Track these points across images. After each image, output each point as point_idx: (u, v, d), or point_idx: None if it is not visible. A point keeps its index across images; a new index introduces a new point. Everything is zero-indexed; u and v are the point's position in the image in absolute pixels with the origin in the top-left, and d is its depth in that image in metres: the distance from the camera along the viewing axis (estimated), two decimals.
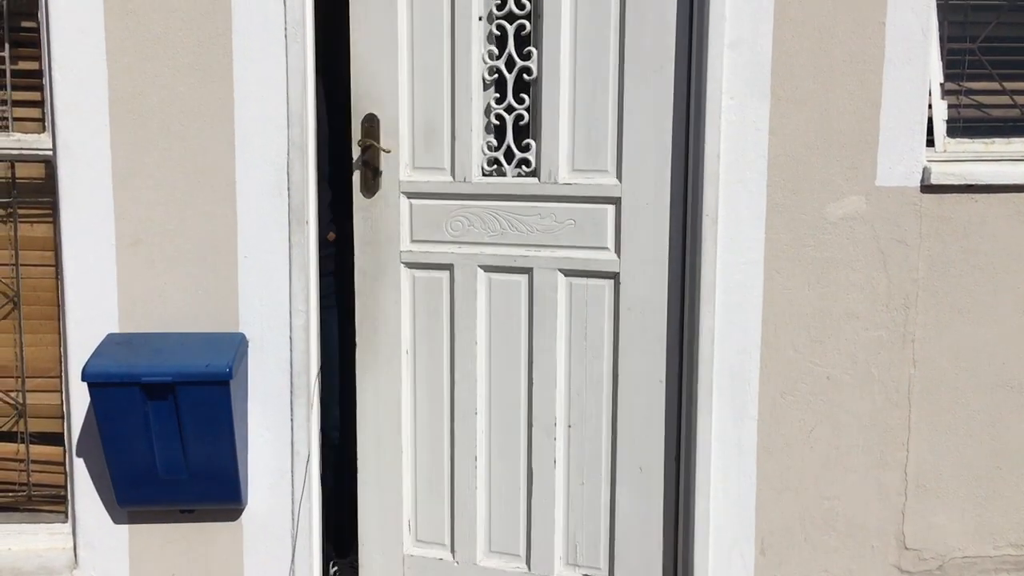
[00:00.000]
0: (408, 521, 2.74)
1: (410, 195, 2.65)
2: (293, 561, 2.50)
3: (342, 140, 2.66)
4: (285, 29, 2.36)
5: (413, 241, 2.67)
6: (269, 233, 2.41)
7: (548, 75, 2.56)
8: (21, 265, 2.58)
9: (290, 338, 2.44)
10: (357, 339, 2.68)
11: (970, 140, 2.65)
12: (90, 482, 2.46)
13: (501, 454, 2.71)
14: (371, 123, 2.61)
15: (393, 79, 2.58)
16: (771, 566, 2.62)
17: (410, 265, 2.67)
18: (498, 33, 2.57)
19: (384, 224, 2.65)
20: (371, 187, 2.63)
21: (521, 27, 2.56)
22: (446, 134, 2.62)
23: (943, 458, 2.64)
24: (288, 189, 2.40)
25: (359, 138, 2.59)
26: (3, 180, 2.55)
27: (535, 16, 2.56)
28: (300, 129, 2.40)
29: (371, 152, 2.59)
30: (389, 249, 2.67)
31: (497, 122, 2.61)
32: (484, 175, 2.62)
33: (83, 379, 2.20)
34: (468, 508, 2.72)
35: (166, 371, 2.19)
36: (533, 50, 2.57)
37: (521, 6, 2.54)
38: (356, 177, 2.62)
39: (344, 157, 2.64)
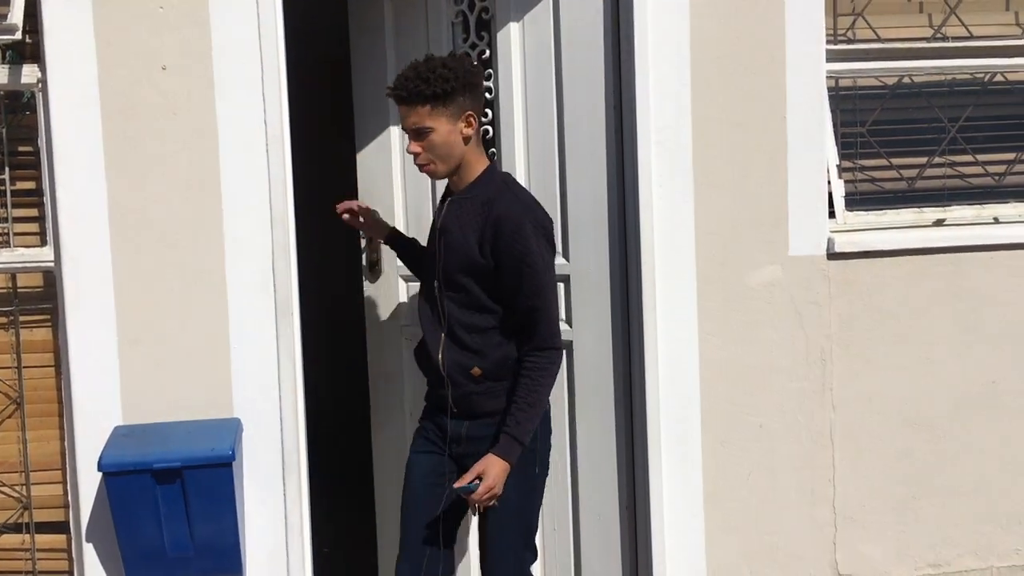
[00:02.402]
0: None
1: (407, 279, 3.05)
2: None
3: None
4: (266, 146, 2.65)
5: (409, 319, 3.05)
6: (258, 325, 2.67)
7: (507, 169, 2.90)
8: (23, 367, 2.79)
9: (280, 419, 2.69)
10: (371, 401, 3.17)
11: (865, 212, 3.06)
12: (99, 565, 2.64)
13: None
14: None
15: (388, 180, 3.06)
16: None
17: (410, 340, 3.00)
18: None
19: (386, 304, 3.12)
20: (375, 273, 3.14)
21: (486, 131, 2.89)
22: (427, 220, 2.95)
23: (865, 491, 2.99)
24: (274, 285, 2.67)
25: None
26: (5, 290, 2.77)
27: (495, 123, 2.92)
28: (283, 231, 2.69)
29: (373, 244, 3.09)
30: (392, 325, 3.12)
31: None
32: None
33: (99, 469, 2.42)
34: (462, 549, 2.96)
35: (174, 458, 2.42)
36: (495, 150, 2.92)
37: (485, 115, 2.87)
38: (364, 263, 3.15)
39: None
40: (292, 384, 2.71)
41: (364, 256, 3.16)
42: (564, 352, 2.78)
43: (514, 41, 2.88)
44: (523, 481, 2.46)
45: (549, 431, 2.57)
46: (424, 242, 2.71)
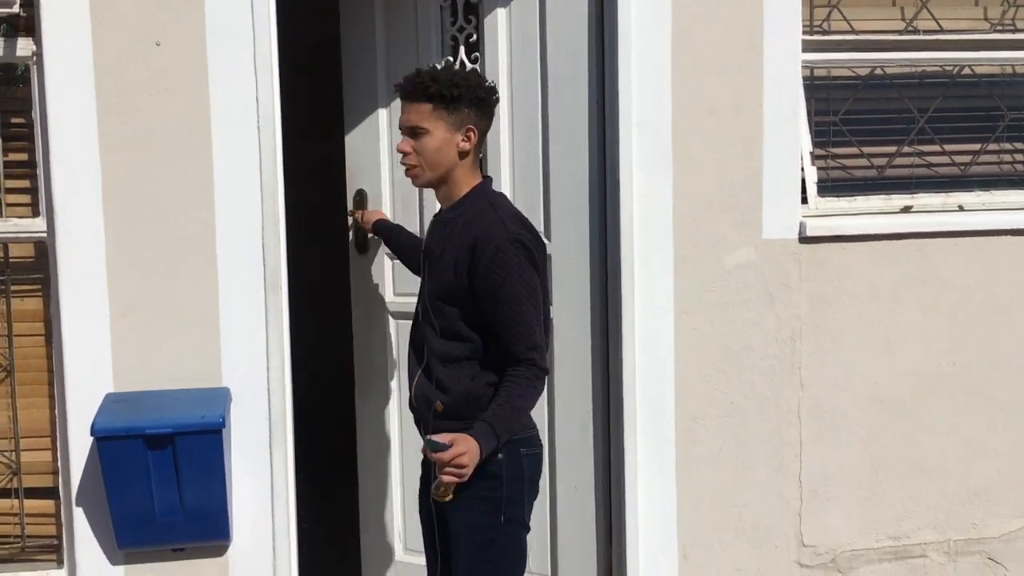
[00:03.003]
0: (398, 532, 3.08)
1: (392, 256, 3.12)
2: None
3: None
4: (258, 122, 2.72)
5: (396, 294, 3.15)
6: (247, 298, 2.74)
7: (491, 154, 2.99)
8: (14, 336, 2.84)
9: (268, 391, 2.76)
10: (356, 376, 3.21)
11: (836, 198, 3.17)
12: (89, 529, 2.71)
13: None
14: (360, 196, 3.16)
15: (376, 161, 3.12)
16: (692, 568, 3.04)
17: (395, 315, 3.17)
18: None
19: (373, 278, 3.20)
20: (362, 247, 3.19)
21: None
22: (416, 205, 3.09)
23: (830, 467, 3.11)
24: (263, 259, 2.74)
25: (351, 208, 3.16)
26: None
27: None
28: (272, 204, 2.75)
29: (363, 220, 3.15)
30: (377, 301, 3.20)
31: None
32: None
33: (92, 434, 2.49)
34: (417, 535, 3.02)
35: (166, 423, 2.49)
36: None
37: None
38: (351, 239, 3.20)
39: None
40: (280, 356, 2.78)
41: (352, 233, 3.23)
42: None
43: (501, 26, 2.96)
44: (482, 525, 2.30)
45: (520, 477, 2.34)
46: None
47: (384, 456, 3.21)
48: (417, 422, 2.46)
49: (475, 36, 3.01)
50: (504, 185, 2.98)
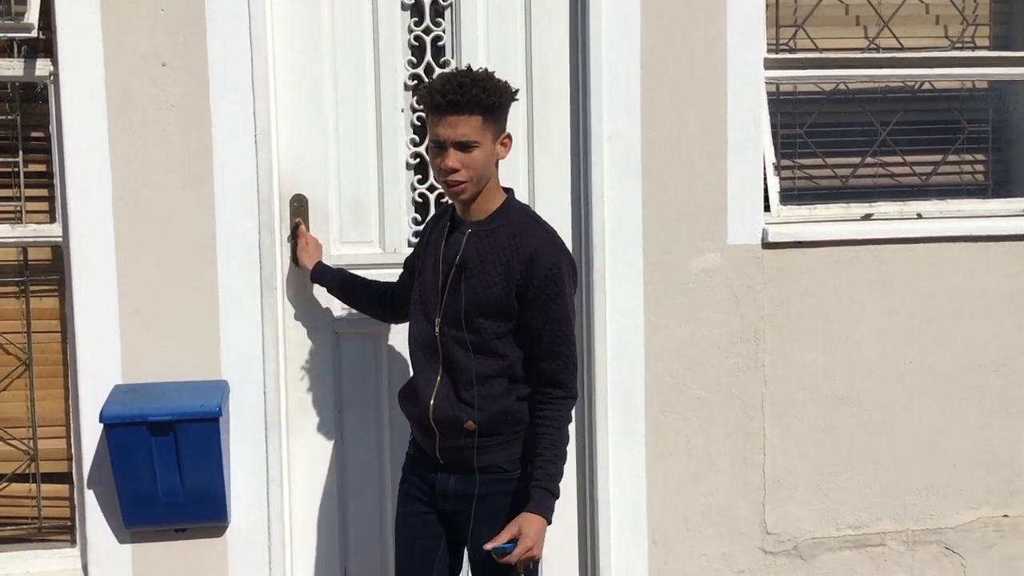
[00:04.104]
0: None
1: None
2: (270, 570, 3.02)
3: None
4: (255, 135, 2.95)
5: (343, 309, 3.02)
6: (245, 298, 2.97)
7: None
8: (32, 332, 3.08)
9: (264, 384, 2.99)
10: (285, 405, 3.03)
11: (798, 206, 3.37)
12: (99, 510, 2.94)
13: None
14: (300, 202, 3.03)
15: (321, 164, 3.05)
16: (661, 553, 3.23)
17: (340, 333, 3.09)
18: (418, 123, 3.15)
19: (316, 295, 3.02)
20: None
21: None
22: (374, 212, 3.13)
23: (793, 459, 3.30)
24: (260, 262, 2.97)
25: (291, 216, 3.00)
26: (18, 262, 3.06)
27: None
28: (268, 213, 2.98)
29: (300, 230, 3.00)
30: (320, 319, 3.08)
31: (420, 200, 3.20)
32: (409, 247, 3.07)
33: (101, 421, 2.72)
34: None
35: (168, 412, 2.72)
36: None
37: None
38: (286, 251, 3.01)
39: None
40: (275, 351, 3.00)
41: (291, 248, 3.04)
42: None
43: (480, 32, 3.12)
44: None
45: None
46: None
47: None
48: (422, 435, 2.41)
49: (444, 39, 3.12)
50: None
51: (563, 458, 2.31)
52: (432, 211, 3.17)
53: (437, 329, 2.34)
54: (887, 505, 3.36)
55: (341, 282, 2.82)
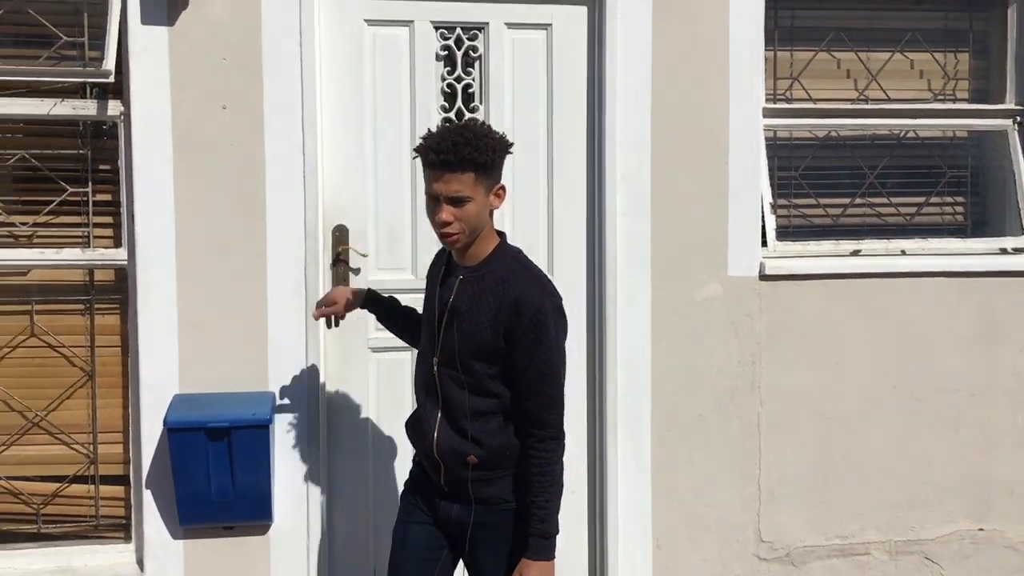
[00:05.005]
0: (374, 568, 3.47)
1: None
2: (308, 566, 3.31)
3: None
4: (303, 172, 3.27)
5: (378, 330, 3.19)
6: (291, 318, 3.28)
7: None
8: (96, 347, 3.39)
9: (307, 395, 3.29)
10: (325, 415, 3.32)
11: (793, 242, 3.68)
12: (155, 509, 3.24)
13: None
14: (341, 231, 3.36)
15: (363, 197, 3.37)
16: (665, 557, 3.52)
17: (375, 350, 3.41)
18: None
19: (353, 316, 3.08)
20: (342, 285, 3.29)
21: None
22: (408, 242, 3.45)
23: (786, 473, 3.59)
24: (305, 287, 3.28)
25: (332, 245, 3.31)
26: (84, 283, 3.38)
27: None
28: (313, 241, 3.30)
29: (344, 255, 3.34)
30: (357, 337, 3.39)
31: None
32: None
33: (164, 426, 3.03)
34: None
35: (224, 419, 3.02)
36: None
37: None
38: (328, 276, 3.32)
39: None
40: (317, 366, 3.31)
41: (332, 269, 3.30)
42: None
43: (505, 81, 3.46)
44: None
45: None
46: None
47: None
48: (427, 465, 2.49)
49: (474, 87, 3.46)
50: (506, 225, 3.50)
51: (556, 499, 2.37)
52: None
53: (435, 368, 2.43)
54: (872, 517, 3.65)
55: (387, 310, 2.87)
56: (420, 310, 2.71)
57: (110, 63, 3.14)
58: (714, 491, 3.54)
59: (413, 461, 2.63)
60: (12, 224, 3.32)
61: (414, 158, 3.21)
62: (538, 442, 2.37)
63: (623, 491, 3.49)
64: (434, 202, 2.35)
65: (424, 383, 2.50)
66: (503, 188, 2.42)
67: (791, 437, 3.59)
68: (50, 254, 3.28)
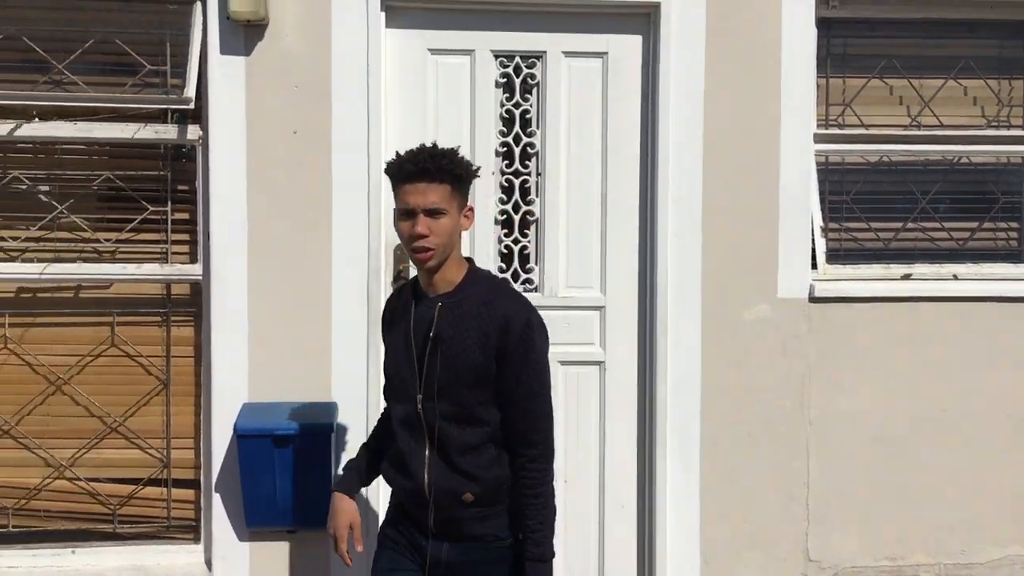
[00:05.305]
0: None
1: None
2: (368, 567, 3.44)
3: None
4: (368, 193, 3.44)
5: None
6: (353, 332, 3.44)
7: (549, 217, 3.63)
8: (171, 357, 3.59)
9: (367, 405, 3.44)
10: None
11: (843, 265, 3.74)
12: (223, 511, 3.41)
13: None
14: (402, 251, 3.48)
15: None
16: (712, 572, 3.59)
17: None
18: (506, 184, 3.63)
19: None
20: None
21: (525, 181, 3.64)
22: None
23: (834, 493, 3.64)
24: (367, 302, 3.44)
25: (393, 263, 3.49)
26: (162, 296, 3.58)
27: (537, 173, 3.65)
28: (376, 260, 3.46)
29: (405, 273, 3.49)
30: None
31: (505, 251, 3.65)
32: None
33: (235, 433, 3.21)
34: None
35: (290, 426, 3.19)
36: (536, 198, 3.65)
37: (525, 166, 3.62)
38: (389, 294, 3.38)
39: None
40: (377, 377, 3.45)
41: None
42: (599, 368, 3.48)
43: (561, 107, 3.59)
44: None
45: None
46: None
47: None
48: (414, 505, 2.39)
49: (531, 113, 3.60)
50: (560, 246, 3.62)
51: (550, 521, 2.36)
52: (516, 262, 3.63)
53: (419, 406, 2.35)
54: (922, 540, 3.67)
55: (368, 466, 2.62)
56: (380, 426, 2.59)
57: (191, 91, 3.35)
58: (762, 509, 3.60)
59: (391, 503, 2.55)
60: (97, 240, 3.55)
61: (503, 172, 3.50)
62: (529, 462, 2.33)
63: (672, 506, 3.57)
64: (408, 216, 2.30)
65: (406, 423, 2.39)
66: (472, 210, 2.40)
67: (840, 458, 3.63)
68: (131, 269, 3.50)
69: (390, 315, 2.52)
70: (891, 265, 3.77)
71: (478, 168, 2.46)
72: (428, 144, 2.37)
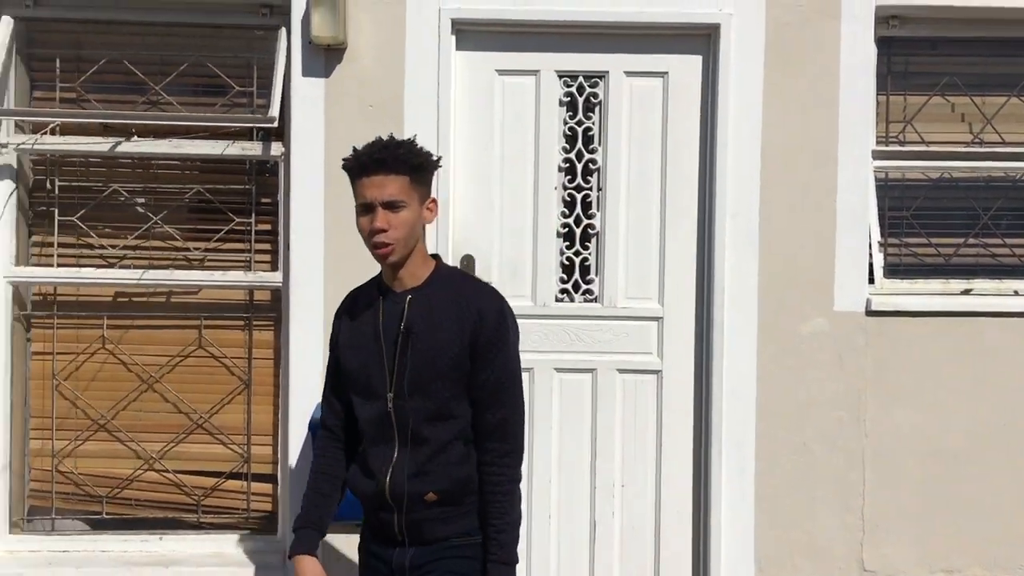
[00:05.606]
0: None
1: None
2: None
3: None
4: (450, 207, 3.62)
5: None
6: None
7: (609, 230, 3.78)
8: (252, 359, 3.84)
9: None
10: None
11: (900, 280, 3.78)
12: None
13: (569, 512, 3.76)
14: (468, 261, 3.69)
15: (488, 230, 3.72)
16: None
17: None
18: (568, 199, 3.78)
19: None
20: None
21: (587, 196, 3.78)
22: (528, 272, 3.77)
23: (890, 504, 3.67)
24: None
25: None
26: (245, 302, 3.84)
27: (598, 188, 3.79)
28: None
29: None
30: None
31: (567, 263, 3.80)
32: (557, 301, 3.77)
33: (310, 430, 3.43)
34: (543, 556, 3.76)
35: None
36: (596, 212, 3.79)
37: (587, 181, 3.78)
38: None
39: None
40: None
41: None
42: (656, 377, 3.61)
43: (623, 126, 3.73)
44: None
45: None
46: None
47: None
48: (378, 509, 2.34)
49: (594, 130, 3.75)
50: (619, 258, 3.76)
51: (516, 523, 2.30)
52: (577, 273, 3.77)
53: (390, 404, 2.29)
54: (978, 552, 3.68)
55: (325, 511, 2.52)
56: (330, 447, 2.48)
57: (274, 110, 3.60)
58: (816, 519, 3.66)
59: (363, 519, 2.49)
60: (187, 249, 3.82)
61: (566, 187, 3.65)
62: (499, 457, 2.28)
63: (727, 515, 3.65)
64: (366, 210, 2.25)
65: (376, 425, 2.32)
66: (435, 202, 2.35)
67: (896, 469, 3.67)
68: (218, 276, 3.75)
69: (348, 313, 2.44)
70: (951, 280, 3.80)
71: (439, 158, 2.40)
72: (380, 138, 2.30)
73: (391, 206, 2.23)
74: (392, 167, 2.21)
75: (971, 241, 3.90)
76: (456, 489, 2.28)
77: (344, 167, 2.32)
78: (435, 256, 2.42)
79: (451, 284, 2.33)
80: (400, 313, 2.30)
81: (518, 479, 2.33)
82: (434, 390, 2.26)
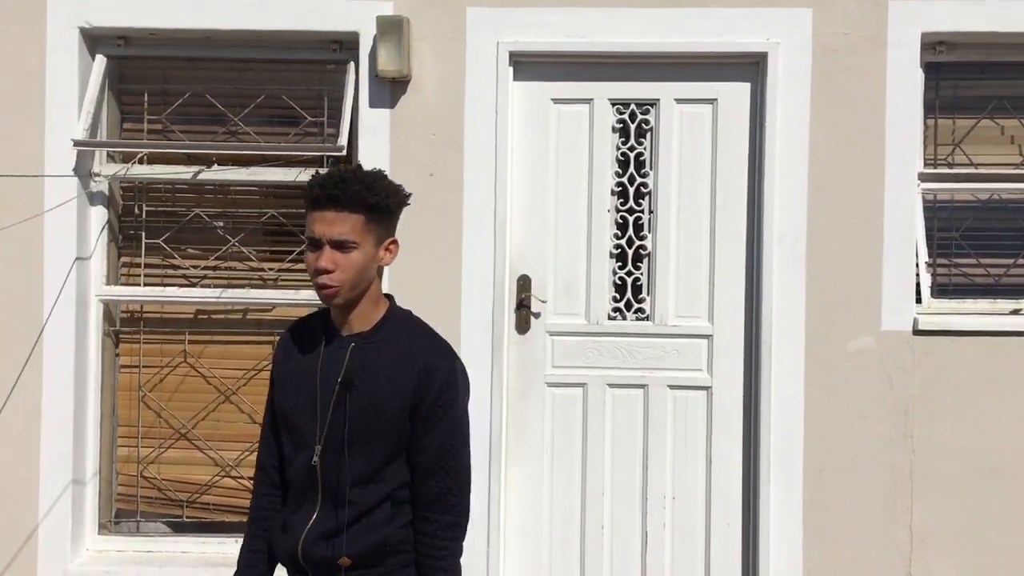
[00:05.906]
0: None
1: (552, 333, 3.92)
2: (487, 567, 3.79)
3: None
4: (494, 228, 3.82)
5: (554, 367, 3.91)
6: (479, 353, 3.80)
7: (660, 251, 3.93)
8: None
9: (490, 421, 3.80)
10: (505, 441, 3.81)
11: (949, 300, 3.85)
12: None
13: (621, 522, 3.91)
14: (524, 281, 3.90)
15: (544, 251, 3.91)
16: None
17: (551, 385, 3.94)
18: (620, 221, 3.94)
19: (532, 355, 3.89)
20: (524, 327, 3.91)
21: (638, 218, 3.95)
22: (582, 291, 3.94)
23: (938, 521, 3.73)
24: (492, 327, 3.82)
25: (516, 292, 3.85)
26: None
27: (650, 211, 3.95)
28: (500, 289, 3.83)
29: (527, 301, 3.88)
30: (535, 373, 3.92)
31: (619, 283, 3.96)
32: (609, 319, 3.94)
33: None
34: (596, 566, 3.91)
35: None
36: (648, 234, 3.95)
37: (639, 204, 3.93)
38: (512, 319, 3.87)
39: None
40: (500, 397, 3.81)
41: (515, 316, 4.12)
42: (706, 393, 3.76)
43: (673, 152, 3.90)
44: None
45: None
46: None
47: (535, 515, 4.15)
48: (294, 571, 2.10)
49: (645, 155, 3.91)
50: (670, 278, 3.90)
51: None
52: (629, 292, 3.93)
53: (316, 457, 2.04)
54: None
55: (259, 564, 2.21)
56: (262, 495, 2.21)
57: (343, 139, 3.84)
58: (864, 533, 3.74)
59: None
60: (262, 269, 4.08)
61: (618, 210, 3.76)
62: (441, 529, 2.05)
63: (775, 527, 3.75)
64: (315, 247, 2.03)
65: (301, 478, 2.09)
66: (395, 243, 2.11)
67: (944, 487, 3.73)
68: (290, 295, 4.00)
69: (291, 345, 2.19)
70: (999, 300, 3.85)
71: (408, 195, 2.15)
72: (346, 167, 2.08)
73: (340, 246, 2.00)
74: (345, 204, 1.99)
75: (1020, 262, 3.95)
76: (372, 552, 2.04)
77: (302, 194, 2.16)
78: (388, 296, 2.20)
79: (401, 334, 2.10)
80: (341, 360, 2.07)
81: (459, 553, 2.08)
82: (368, 451, 2.04)
